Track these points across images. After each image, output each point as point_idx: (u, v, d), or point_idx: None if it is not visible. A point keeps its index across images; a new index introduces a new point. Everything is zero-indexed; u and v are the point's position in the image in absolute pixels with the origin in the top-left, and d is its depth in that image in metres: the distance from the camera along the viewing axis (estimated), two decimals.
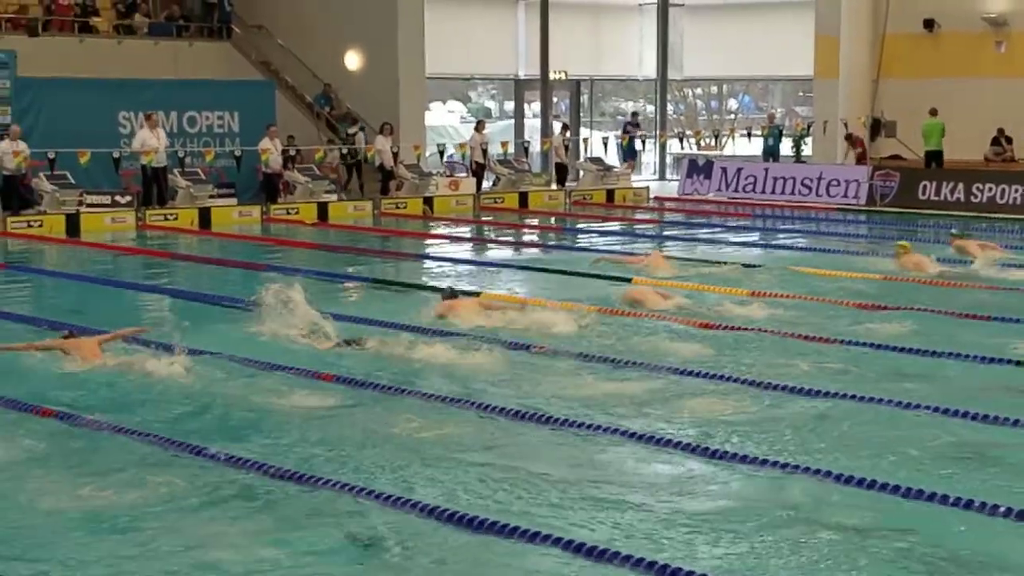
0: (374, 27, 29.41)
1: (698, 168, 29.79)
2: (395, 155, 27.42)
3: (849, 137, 29.12)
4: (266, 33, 30.51)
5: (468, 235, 23.41)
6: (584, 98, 36.70)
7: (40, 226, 21.91)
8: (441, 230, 23.64)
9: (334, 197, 25.91)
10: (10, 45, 25.68)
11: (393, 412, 9.53)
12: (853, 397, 9.76)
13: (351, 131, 28.54)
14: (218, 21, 30.30)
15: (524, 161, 30.16)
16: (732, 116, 38.86)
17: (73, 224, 22.23)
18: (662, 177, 35.42)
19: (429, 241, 22.20)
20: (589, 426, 9.04)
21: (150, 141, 24.10)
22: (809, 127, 30.97)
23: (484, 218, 25.88)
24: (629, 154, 32.56)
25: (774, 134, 31.22)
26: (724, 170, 29.34)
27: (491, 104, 41.22)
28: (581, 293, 14.78)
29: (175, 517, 7.23)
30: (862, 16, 30.30)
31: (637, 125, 33.52)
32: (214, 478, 7.88)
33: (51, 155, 23.24)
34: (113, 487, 7.71)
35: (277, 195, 25.56)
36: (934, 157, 27.93)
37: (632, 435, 8.80)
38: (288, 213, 24.64)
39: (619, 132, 33.44)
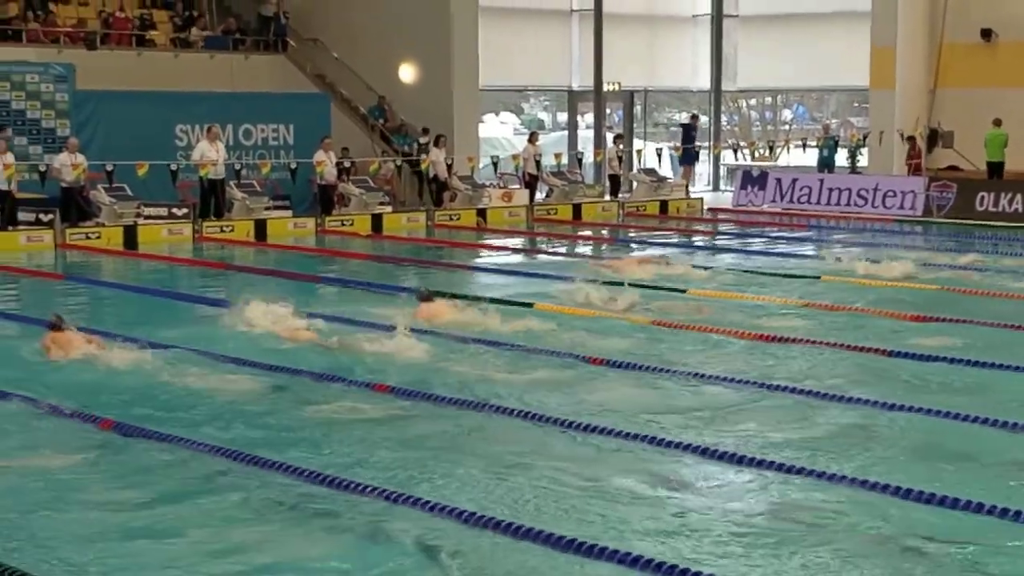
0: (428, 39, 29.53)
1: (752, 179, 29.66)
2: (449, 167, 27.50)
3: (911, 139, 28.85)
4: (321, 46, 30.71)
5: (521, 246, 23.42)
6: (637, 109, 36.65)
7: (98, 238, 22.13)
8: (494, 241, 23.67)
9: (388, 209, 26.02)
10: (69, 58, 26.00)
11: (450, 423, 9.54)
12: (911, 409, 9.68)
13: (422, 140, 28.65)
14: (274, 34, 30.53)
15: (577, 172, 30.15)
16: (786, 127, 38.67)
17: (131, 236, 22.44)
18: (716, 188, 35.29)
19: (482, 252, 22.23)
20: (645, 437, 9.00)
21: (209, 154, 24.30)
22: (865, 138, 30.76)
23: (537, 229, 25.89)
24: (686, 160, 32.43)
25: (829, 145, 31.03)
26: (779, 181, 29.19)
27: (544, 116, 41.27)
28: (635, 306, 14.74)
29: (223, 524, 7.28)
30: (918, 26, 30.06)
31: (695, 127, 33.28)
32: (276, 488, 7.93)
33: (109, 167, 23.47)
34: (168, 496, 7.78)
35: (332, 207, 25.70)
36: (995, 168, 27.61)
37: (688, 447, 8.77)
38: (343, 225, 24.76)
39: (674, 143, 33.35)
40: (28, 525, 7.30)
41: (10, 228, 22.01)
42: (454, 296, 14.98)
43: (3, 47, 26.13)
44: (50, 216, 22.59)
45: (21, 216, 22.54)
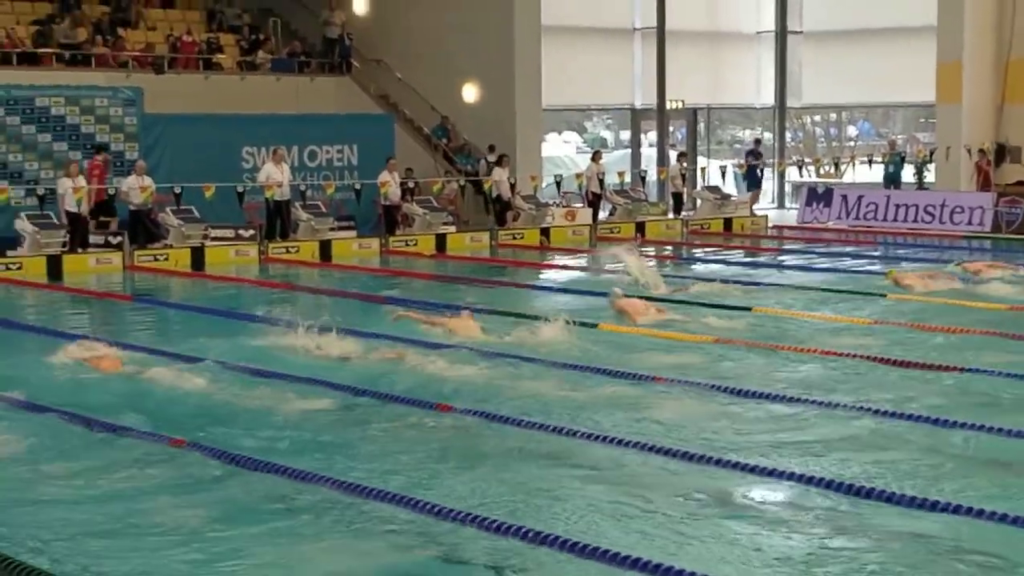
0: (491, 59, 29.66)
1: (818, 196, 29.47)
2: (512, 186, 27.56)
3: (980, 152, 28.56)
4: (385, 67, 30.93)
5: (584, 265, 23.38)
6: (701, 126, 36.55)
7: (166, 259, 22.38)
8: (557, 260, 23.67)
9: (452, 228, 26.11)
10: (137, 82, 26.38)
11: (513, 441, 9.55)
12: (984, 428, 9.57)
13: (490, 159, 28.76)
14: (338, 56, 30.79)
15: (640, 191, 30.10)
16: (852, 143, 38.38)
17: (198, 257, 22.68)
18: (781, 205, 35.09)
19: (545, 272, 22.23)
20: (711, 458, 8.95)
21: (275, 175, 24.52)
22: (932, 154, 30.47)
23: (600, 248, 25.84)
24: (752, 183, 32.26)
25: (895, 161, 30.76)
26: (844, 198, 28.98)
27: (607, 134, 41.25)
28: (699, 324, 14.69)
29: (289, 543, 7.32)
30: (986, 41, 29.74)
31: (760, 154, 33.13)
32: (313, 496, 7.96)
33: (177, 190, 23.76)
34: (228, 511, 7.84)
35: (396, 227, 25.83)
36: None
37: (755, 468, 8.70)
38: (407, 245, 24.87)
39: (738, 161, 33.21)
40: (88, 543, 7.37)
41: (80, 250, 22.31)
42: (518, 315, 14.99)
43: (73, 71, 26.55)
44: (119, 238, 22.90)
45: (91, 238, 22.87)
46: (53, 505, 8.08)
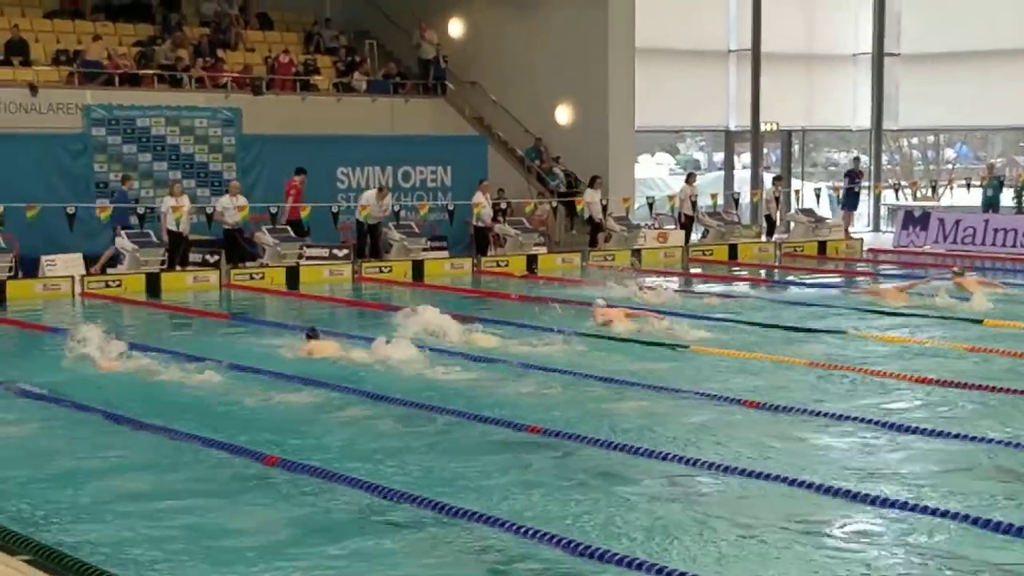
0: (585, 81, 29.73)
1: (914, 219, 29.12)
2: (604, 207, 27.57)
3: None
4: (479, 89, 31.12)
5: (676, 287, 23.28)
6: (795, 149, 36.29)
7: (261, 278, 22.69)
8: (649, 282, 23.60)
9: (543, 249, 26.18)
10: (235, 103, 26.81)
11: (603, 462, 9.55)
12: None
13: (556, 171, 28.86)
14: (433, 78, 31.04)
15: (733, 213, 29.95)
16: (949, 166, 37.87)
17: (293, 276, 22.96)
18: (876, 229, 34.70)
19: (636, 293, 22.16)
20: (800, 482, 8.88)
21: (374, 208, 24.81)
22: None
23: (693, 270, 25.76)
24: (849, 204, 31.94)
25: (994, 184, 30.29)
26: (941, 221, 28.60)
27: (700, 155, 41.13)
28: (796, 348, 14.60)
29: (377, 562, 7.39)
30: None
31: (860, 173, 32.72)
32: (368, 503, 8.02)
33: (273, 209, 24.07)
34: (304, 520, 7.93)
35: (487, 248, 25.96)
36: None
37: (843, 492, 8.63)
38: (498, 265, 24.98)
39: (833, 183, 32.91)
40: (178, 558, 7.49)
41: (178, 268, 22.70)
42: (605, 337, 15.00)
43: (173, 92, 27.06)
44: (216, 257, 23.26)
45: (190, 257, 23.27)
46: (140, 518, 8.22)
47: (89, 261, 22.13)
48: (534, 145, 30.47)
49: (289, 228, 24.21)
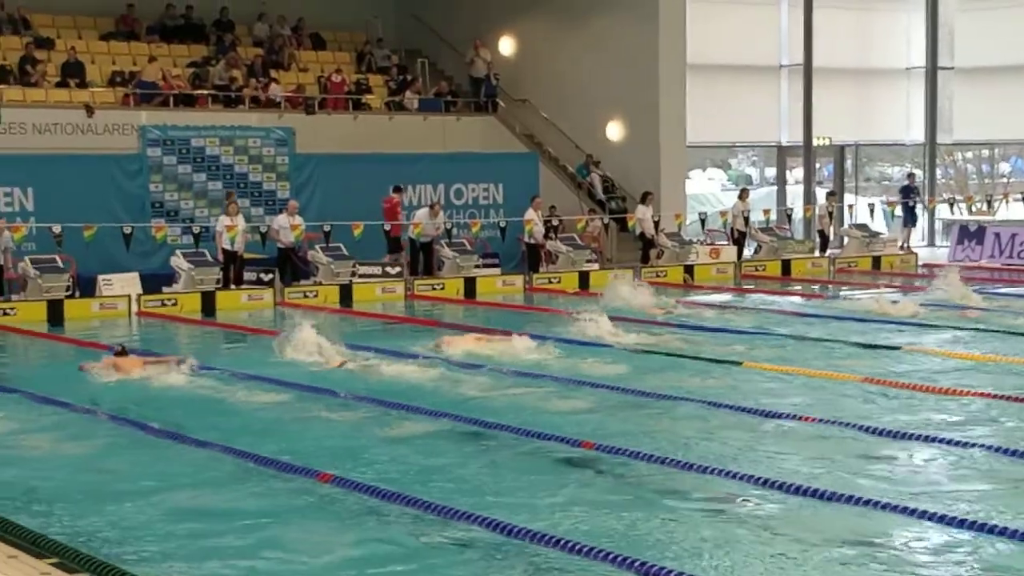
0: (636, 97, 29.74)
1: (969, 234, 28.88)
2: (656, 223, 27.54)
3: None
4: (530, 106, 31.21)
5: (728, 303, 23.21)
6: (848, 163, 36.10)
7: (315, 296, 22.83)
8: (701, 298, 23.53)
9: (595, 266, 26.18)
10: (289, 122, 27.02)
11: (646, 479, 9.54)
12: None
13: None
14: (484, 96, 31.16)
15: (786, 228, 29.83)
16: (1004, 180, 37.54)
17: (346, 294, 23.09)
18: (931, 243, 34.44)
19: (687, 309, 22.11)
20: (858, 499, 8.82)
21: (427, 226, 24.94)
22: None
23: (745, 286, 25.66)
24: (909, 220, 31.67)
25: None
26: (997, 235, 28.34)
27: (752, 171, 41.00)
28: (850, 363, 14.52)
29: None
30: None
31: (915, 189, 32.44)
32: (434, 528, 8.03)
33: (326, 228, 24.23)
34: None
35: (539, 264, 25.99)
36: None
37: (901, 509, 8.56)
38: (550, 282, 25.00)
39: (886, 198, 32.69)
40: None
41: (233, 287, 22.88)
42: (673, 355, 14.97)
43: (227, 112, 27.32)
44: (270, 276, 23.43)
45: (244, 275, 23.46)
46: (196, 536, 8.28)
47: (145, 280, 22.34)
48: (585, 162, 30.48)
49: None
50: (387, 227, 25.09)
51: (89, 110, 25.75)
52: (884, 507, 8.57)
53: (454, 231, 25.88)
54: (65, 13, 29.56)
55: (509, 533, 8.05)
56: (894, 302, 20.18)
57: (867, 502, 8.70)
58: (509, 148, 30.19)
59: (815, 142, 33.43)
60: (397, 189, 25.93)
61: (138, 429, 11.57)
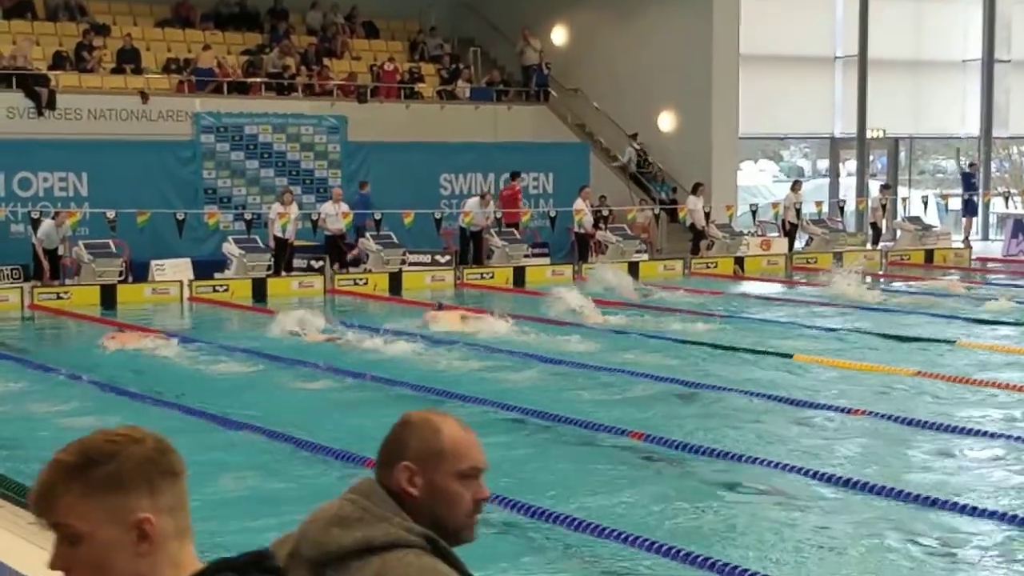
0: (688, 88, 29.61)
1: None
2: (707, 215, 27.42)
3: None
4: (582, 96, 31.15)
5: (778, 295, 23.10)
6: (902, 156, 35.79)
7: (365, 284, 22.91)
8: (749, 289, 23.43)
9: (645, 256, 26.12)
10: (341, 111, 27.12)
11: (701, 470, 9.52)
12: None
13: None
14: (536, 85, 31.13)
15: (838, 221, 29.63)
16: None
17: (395, 282, 23.16)
18: (985, 237, 34.10)
19: (738, 301, 22.03)
20: (907, 495, 8.77)
21: (477, 215, 24.98)
22: None
23: (796, 278, 25.51)
24: (969, 210, 31.35)
25: None
26: None
27: (804, 162, 40.72)
28: (903, 357, 14.41)
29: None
30: None
31: (975, 176, 32.00)
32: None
33: (377, 216, 24.30)
34: None
35: (588, 254, 25.96)
36: None
37: (950, 505, 8.50)
38: None
39: (940, 191, 32.39)
40: None
41: (284, 274, 23.01)
42: (728, 348, 14.93)
43: (280, 100, 27.45)
44: (320, 263, 23.54)
45: (295, 263, 23.59)
46: (241, 519, 8.33)
47: (197, 266, 22.52)
48: (648, 163, 30.41)
49: (515, 231, 25.42)
50: (498, 214, 25.61)
51: (144, 97, 25.96)
52: (935, 503, 8.51)
53: (504, 220, 25.87)
54: (121, 0, 29.79)
55: (557, 521, 8.06)
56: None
57: (919, 497, 8.64)
58: (560, 138, 30.16)
59: (869, 134, 33.17)
60: (515, 175, 25.98)
61: (187, 414, 11.65)
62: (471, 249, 25.24)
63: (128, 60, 27.16)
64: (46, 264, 21.41)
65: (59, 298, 20.55)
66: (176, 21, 29.85)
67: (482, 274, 24.20)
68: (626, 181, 30.19)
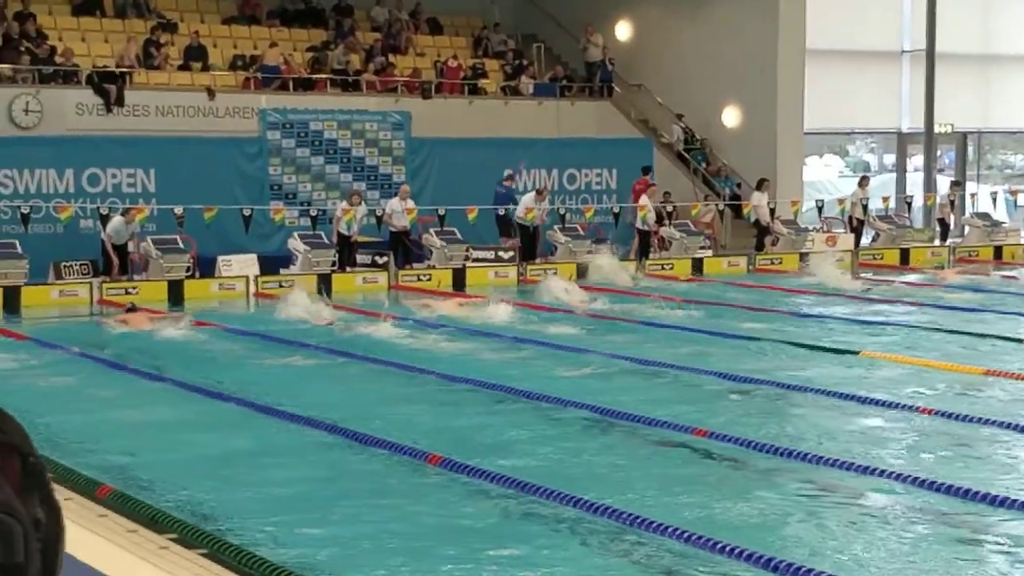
0: (753, 83, 29.44)
1: None
2: (771, 211, 27.25)
3: None
4: (645, 91, 31.06)
5: (844, 292, 22.90)
6: (970, 151, 35.37)
7: (428, 280, 22.99)
8: (814, 285, 23.24)
9: (708, 252, 26.01)
10: (405, 107, 27.23)
11: (767, 467, 9.48)
12: None
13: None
14: (599, 81, 31.08)
15: (905, 216, 29.34)
16: None
17: (459, 277, 23.21)
18: None
19: (802, 298, 21.88)
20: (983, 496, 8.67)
21: (531, 206, 24.99)
22: None
23: (862, 275, 25.27)
24: None
25: None
26: None
27: (870, 158, 40.36)
28: (970, 354, 14.26)
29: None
30: None
31: None
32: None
33: (441, 212, 24.37)
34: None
35: (650, 250, 25.88)
36: None
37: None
38: (663, 268, 24.88)
39: (1009, 186, 31.97)
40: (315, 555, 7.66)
41: (348, 270, 23.14)
42: (803, 344, 14.85)
43: (345, 96, 27.60)
44: (384, 259, 23.65)
45: (359, 259, 23.71)
46: (299, 513, 8.41)
47: (263, 262, 22.70)
48: (700, 147, 30.28)
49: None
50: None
51: (211, 93, 26.19)
52: (1003, 503, 8.42)
53: (567, 216, 25.86)
54: None
55: (621, 519, 8.06)
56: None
57: (986, 496, 8.55)
58: (623, 133, 30.09)
59: (937, 129, 32.81)
60: (646, 170, 25.97)
61: (244, 407, 11.75)
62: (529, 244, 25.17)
63: (195, 57, 27.41)
64: (115, 260, 21.67)
65: (127, 293, 20.79)
66: (242, 18, 30.10)
67: (545, 270, 24.17)
68: (690, 176, 30.08)
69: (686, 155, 30.14)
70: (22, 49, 25.47)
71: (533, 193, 25.70)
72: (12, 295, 20.10)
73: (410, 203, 24.21)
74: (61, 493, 8.18)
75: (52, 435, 10.44)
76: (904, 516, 8.31)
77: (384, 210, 24.23)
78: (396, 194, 24.75)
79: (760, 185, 27.31)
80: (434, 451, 9.64)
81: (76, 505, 7.98)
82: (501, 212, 25.08)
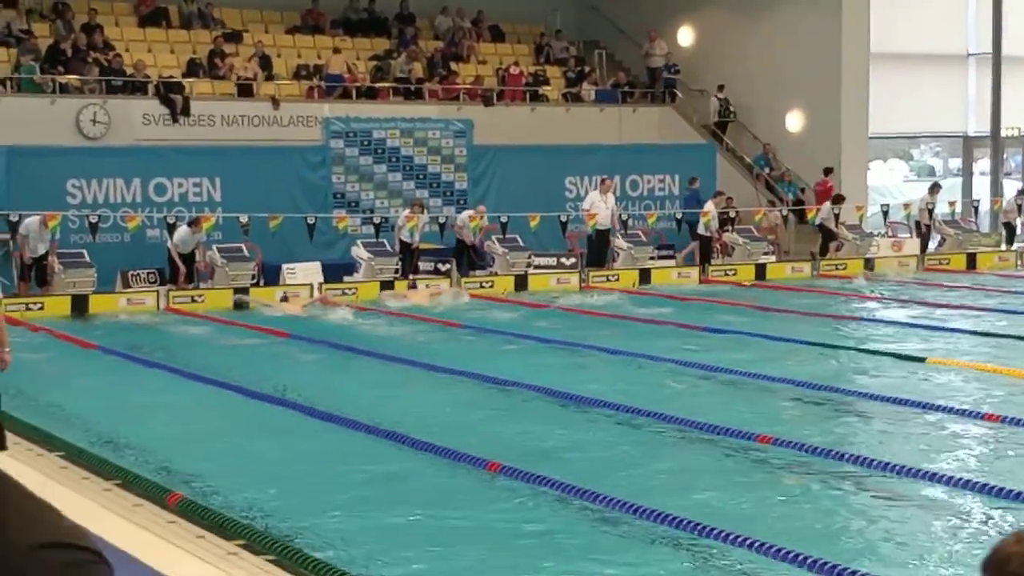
0: (817, 87, 29.27)
1: None
2: (836, 216, 27.04)
3: None
4: (708, 97, 30.95)
5: (909, 297, 22.71)
6: None
7: (491, 286, 23.05)
8: (881, 291, 23.08)
9: (772, 258, 25.87)
10: (467, 115, 27.32)
11: (832, 474, 9.44)
12: None
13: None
14: (661, 86, 31.03)
15: (972, 221, 29.03)
16: None
17: (521, 284, 23.25)
18: None
19: (865, 303, 21.72)
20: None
21: (598, 204, 24.95)
22: None
23: (928, 280, 25.03)
24: None
25: None
26: None
27: (935, 162, 39.98)
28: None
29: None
30: None
31: None
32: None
33: (503, 219, 24.42)
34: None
35: (711, 257, 25.77)
36: None
37: None
38: (726, 274, 24.79)
39: None
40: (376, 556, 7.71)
41: (410, 277, 23.23)
42: (847, 348, 14.74)
43: (408, 105, 27.75)
44: (447, 266, 23.73)
45: (421, 266, 23.81)
46: (364, 517, 8.46)
47: (327, 269, 22.85)
48: (763, 152, 30.14)
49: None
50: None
51: (275, 102, 26.42)
52: None
53: (630, 222, 25.82)
54: (253, 8, 30.36)
55: (684, 527, 8.04)
56: None
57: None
58: (686, 139, 30.01)
59: (1004, 133, 32.44)
60: (828, 171, 25.97)
61: (310, 416, 11.85)
62: (601, 251, 25.08)
63: (260, 67, 27.66)
64: (181, 268, 21.91)
65: (193, 301, 21.01)
66: (306, 28, 30.34)
67: (607, 276, 24.16)
68: (753, 182, 29.94)
69: (719, 131, 30.06)
70: (90, 60, 25.85)
71: (596, 191, 25.47)
72: (80, 303, 20.38)
73: (484, 221, 24.19)
74: (131, 500, 8.31)
75: (124, 441, 10.58)
76: (965, 523, 8.24)
77: (455, 222, 24.25)
78: (461, 204, 24.81)
79: (836, 199, 26.82)
80: (497, 459, 9.66)
81: (147, 512, 8.09)
82: (563, 218, 25.01)
